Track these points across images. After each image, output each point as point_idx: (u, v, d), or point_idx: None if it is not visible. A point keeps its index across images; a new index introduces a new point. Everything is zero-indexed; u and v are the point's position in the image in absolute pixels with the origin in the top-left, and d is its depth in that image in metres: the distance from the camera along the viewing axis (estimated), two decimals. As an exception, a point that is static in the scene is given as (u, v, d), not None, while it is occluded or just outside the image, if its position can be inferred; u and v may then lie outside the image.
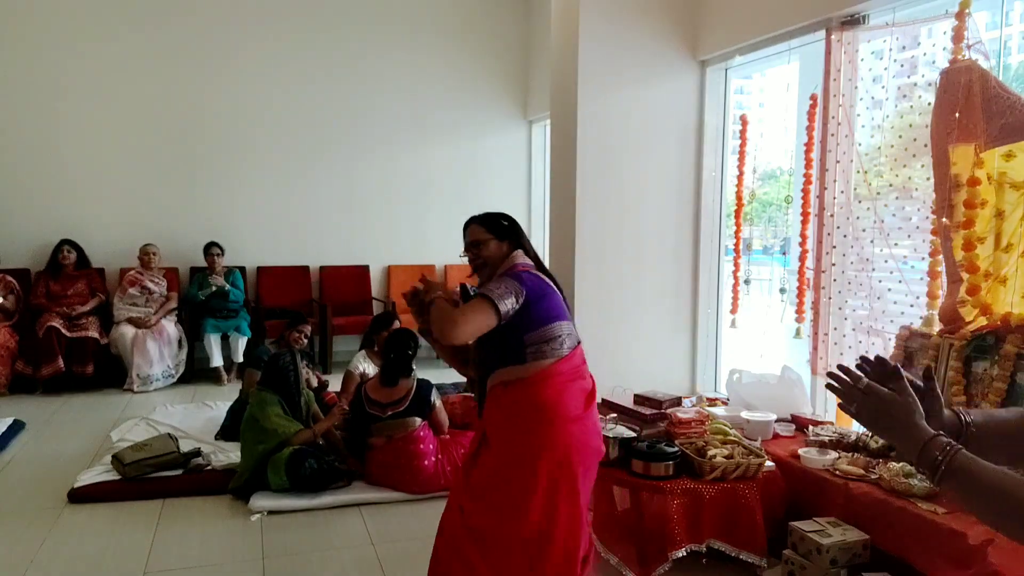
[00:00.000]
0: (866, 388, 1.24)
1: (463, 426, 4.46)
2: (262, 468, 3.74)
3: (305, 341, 4.64)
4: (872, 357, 1.34)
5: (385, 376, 3.94)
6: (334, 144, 6.97)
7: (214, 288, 6.24)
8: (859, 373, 1.28)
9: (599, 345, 4.73)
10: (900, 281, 3.46)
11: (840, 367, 1.31)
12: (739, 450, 3.07)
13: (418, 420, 3.87)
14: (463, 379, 5.19)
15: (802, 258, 3.99)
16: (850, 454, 3.11)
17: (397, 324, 4.69)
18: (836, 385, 1.29)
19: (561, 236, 4.87)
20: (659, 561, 2.84)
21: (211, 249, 6.34)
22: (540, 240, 7.42)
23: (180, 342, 6.17)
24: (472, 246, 2.37)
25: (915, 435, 1.17)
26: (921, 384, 1.30)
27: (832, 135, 3.69)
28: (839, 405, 1.32)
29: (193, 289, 6.33)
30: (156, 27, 6.47)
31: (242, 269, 6.64)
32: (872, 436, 3.22)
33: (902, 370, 1.28)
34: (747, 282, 4.66)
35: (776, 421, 3.55)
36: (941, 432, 1.18)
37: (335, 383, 4.98)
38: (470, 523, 2.25)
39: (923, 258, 3.32)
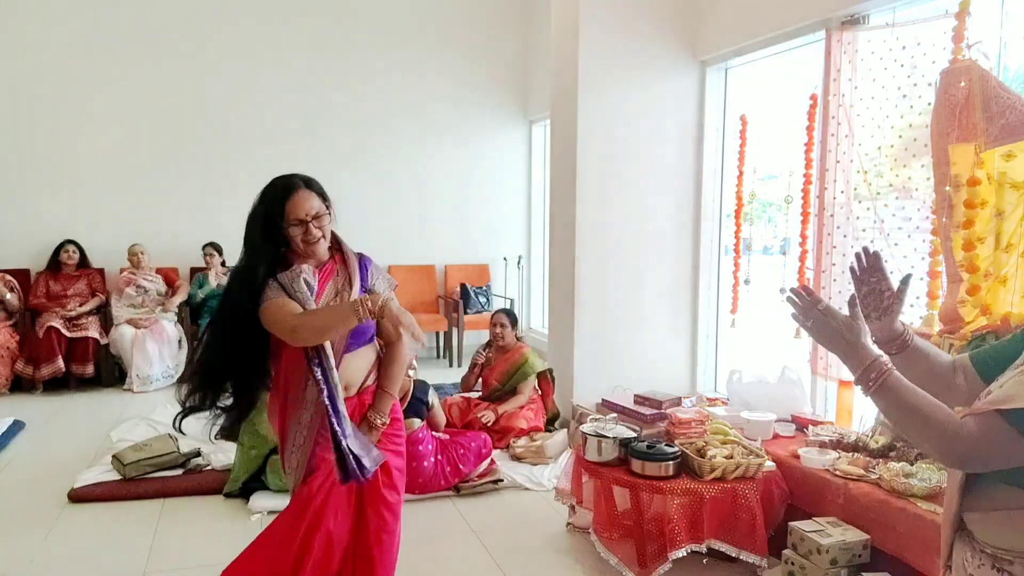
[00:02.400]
0: (824, 310, 1.44)
1: (465, 426, 4.47)
2: (261, 470, 3.74)
3: None
4: (871, 252, 1.59)
5: None
6: (335, 145, 6.97)
7: (214, 285, 6.24)
8: (819, 296, 1.47)
9: (599, 345, 4.74)
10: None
11: (803, 287, 1.50)
12: (739, 450, 3.07)
13: (417, 421, 3.87)
14: (460, 379, 5.21)
15: (802, 258, 3.99)
16: (850, 454, 3.10)
17: None
18: (796, 300, 1.48)
19: (561, 236, 4.87)
20: (659, 561, 2.84)
21: (206, 248, 6.33)
22: (540, 240, 7.43)
23: (180, 342, 6.17)
24: (315, 219, 2.14)
25: (858, 355, 1.39)
26: (895, 287, 1.56)
27: (832, 135, 3.68)
28: (792, 316, 1.50)
29: (194, 289, 6.34)
30: (156, 28, 6.47)
31: (242, 269, 6.64)
32: (872, 436, 3.22)
33: (885, 277, 1.56)
34: (747, 282, 4.66)
35: (776, 421, 3.55)
36: (881, 355, 1.39)
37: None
38: None
39: (923, 258, 3.32)
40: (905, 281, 1.56)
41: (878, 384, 1.35)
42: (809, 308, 1.46)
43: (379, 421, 2.21)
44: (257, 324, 2.08)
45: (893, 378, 1.34)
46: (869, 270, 1.58)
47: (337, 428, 2.05)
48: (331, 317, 2.04)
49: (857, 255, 1.62)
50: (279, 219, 2.10)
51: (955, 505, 1.35)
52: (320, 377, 2.06)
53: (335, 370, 2.09)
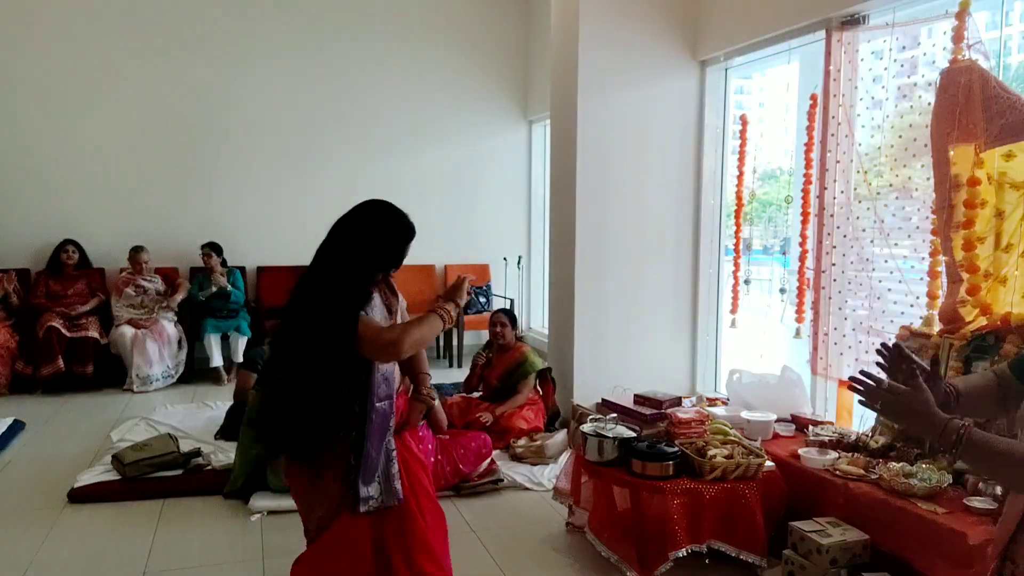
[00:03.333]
0: (889, 388, 1.43)
1: (465, 426, 4.47)
2: (261, 470, 3.74)
3: None
4: (890, 345, 1.57)
5: None
6: (335, 144, 6.97)
7: (215, 289, 6.24)
8: (881, 376, 1.46)
9: (599, 345, 4.74)
10: (900, 281, 3.47)
11: (863, 372, 1.48)
12: (739, 450, 3.07)
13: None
14: (462, 379, 5.21)
15: (802, 258, 3.99)
16: (850, 454, 3.11)
17: None
18: (860, 388, 1.47)
19: (561, 236, 4.87)
20: (659, 561, 2.84)
21: (204, 249, 6.32)
22: (540, 240, 7.43)
23: (180, 342, 6.17)
24: None
25: (933, 423, 1.38)
26: (928, 368, 1.53)
27: (832, 135, 3.69)
28: (860, 402, 1.49)
29: (194, 289, 6.32)
30: (158, 28, 6.47)
31: (242, 269, 6.64)
32: (872, 436, 3.23)
33: (915, 360, 1.52)
34: (747, 282, 4.66)
35: (776, 421, 3.55)
36: (954, 416, 1.38)
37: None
38: None
39: (923, 258, 3.32)
40: (935, 361, 1.58)
41: (962, 447, 1.35)
42: (874, 391, 1.45)
43: (430, 393, 2.53)
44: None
45: (975, 436, 1.35)
46: (896, 361, 1.56)
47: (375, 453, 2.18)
48: (426, 328, 2.15)
49: (879, 351, 1.60)
50: (397, 255, 2.20)
51: (1021, 511, 1.40)
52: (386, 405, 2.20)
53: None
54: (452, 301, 2.21)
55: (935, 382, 1.53)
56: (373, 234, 2.16)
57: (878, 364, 1.60)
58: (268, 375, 2.25)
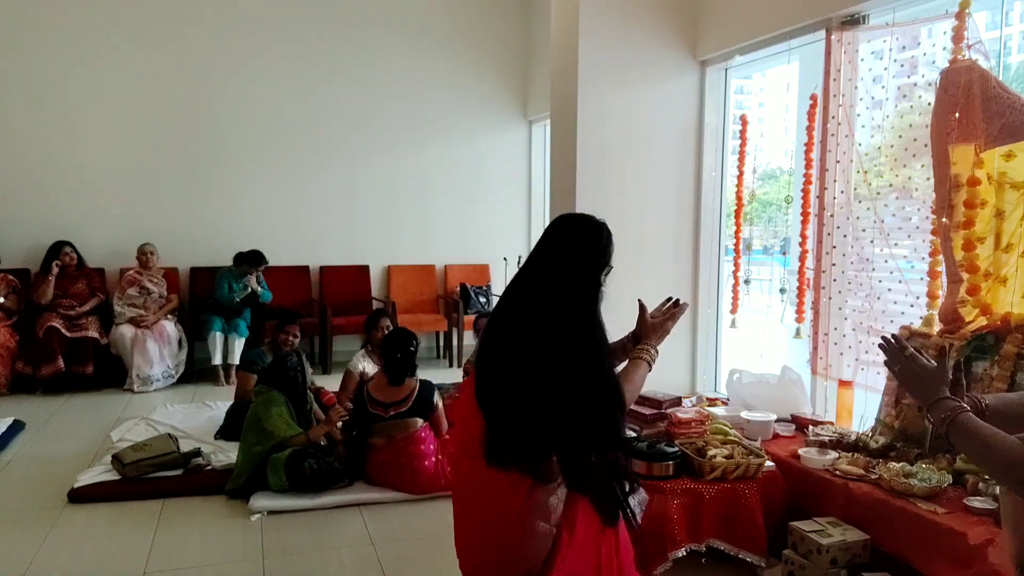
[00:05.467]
0: (910, 355, 1.55)
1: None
2: (261, 469, 3.74)
3: (295, 342, 4.59)
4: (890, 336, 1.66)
5: (392, 376, 3.94)
6: (335, 144, 6.97)
7: (248, 290, 6.21)
8: (906, 344, 1.59)
9: (599, 345, 4.73)
10: (900, 281, 3.47)
11: (893, 336, 1.62)
12: (739, 450, 3.07)
13: (419, 421, 3.88)
14: (461, 380, 5.21)
15: (802, 258, 3.99)
16: (850, 454, 3.10)
17: (387, 322, 4.71)
18: (886, 346, 1.60)
19: (561, 236, 4.86)
20: (659, 561, 2.84)
21: (258, 269, 6.29)
22: (540, 240, 7.42)
23: (180, 342, 6.17)
24: None
25: (934, 396, 1.49)
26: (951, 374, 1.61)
27: (832, 135, 3.69)
28: (884, 362, 1.62)
29: (221, 291, 6.23)
30: (157, 28, 6.47)
31: (242, 269, 6.65)
32: (872, 436, 3.23)
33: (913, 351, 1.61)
34: (747, 282, 4.66)
35: (776, 421, 3.55)
36: (954, 397, 1.48)
37: (332, 383, 4.97)
38: None
39: (923, 258, 3.32)
40: (957, 368, 1.62)
41: (948, 422, 1.44)
42: (897, 354, 1.56)
43: None
44: None
45: (962, 417, 1.44)
46: (893, 354, 1.62)
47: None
48: (641, 377, 2.14)
49: (880, 346, 1.67)
50: (609, 253, 2.15)
51: None
52: None
53: None
54: (648, 348, 2.17)
55: (957, 388, 1.58)
56: (584, 239, 2.14)
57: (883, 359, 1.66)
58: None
